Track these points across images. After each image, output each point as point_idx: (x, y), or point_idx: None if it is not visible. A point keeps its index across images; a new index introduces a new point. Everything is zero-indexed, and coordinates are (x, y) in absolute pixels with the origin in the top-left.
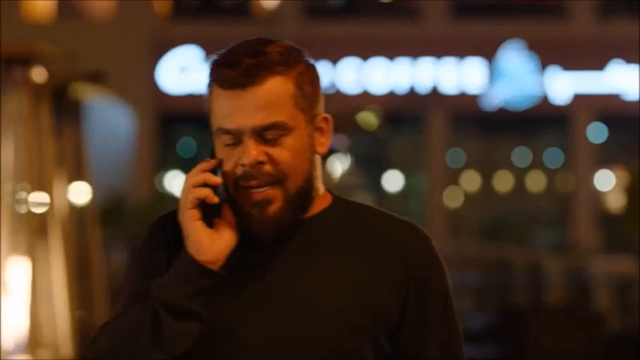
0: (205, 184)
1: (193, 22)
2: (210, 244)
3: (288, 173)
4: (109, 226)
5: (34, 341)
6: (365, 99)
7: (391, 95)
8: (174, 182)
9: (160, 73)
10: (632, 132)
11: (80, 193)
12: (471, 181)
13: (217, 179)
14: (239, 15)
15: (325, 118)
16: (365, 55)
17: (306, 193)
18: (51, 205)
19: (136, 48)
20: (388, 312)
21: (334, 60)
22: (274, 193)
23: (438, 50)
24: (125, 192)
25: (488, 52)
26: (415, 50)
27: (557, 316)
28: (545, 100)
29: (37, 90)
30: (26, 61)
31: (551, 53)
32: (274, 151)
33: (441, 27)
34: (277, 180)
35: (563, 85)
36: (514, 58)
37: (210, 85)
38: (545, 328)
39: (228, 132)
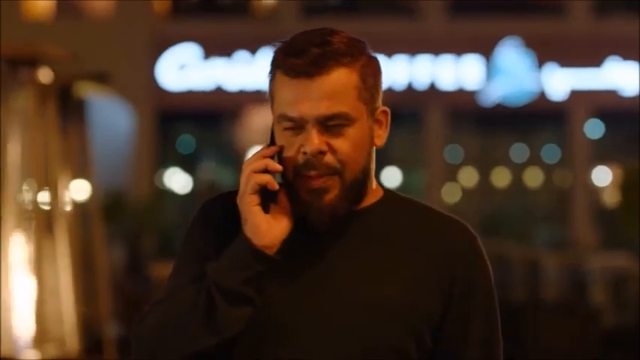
0: (266, 170)
1: (192, 20)
2: (268, 229)
3: (348, 164)
4: (109, 222)
5: (41, 336)
6: None
7: (389, 92)
8: (174, 179)
9: (160, 70)
10: (629, 128)
11: (84, 190)
12: (469, 177)
13: (278, 166)
14: (238, 13)
15: (384, 112)
16: None
17: (361, 185)
18: (57, 201)
19: (136, 46)
20: (432, 308)
21: None
22: (332, 182)
23: (436, 47)
24: (125, 189)
25: (485, 49)
26: (413, 47)
27: (555, 311)
28: (542, 97)
29: (42, 90)
30: (32, 62)
31: (549, 50)
32: (336, 142)
33: (439, 24)
34: (336, 170)
35: (560, 82)
36: (511, 55)
37: (273, 72)
38: (543, 322)
39: (291, 119)
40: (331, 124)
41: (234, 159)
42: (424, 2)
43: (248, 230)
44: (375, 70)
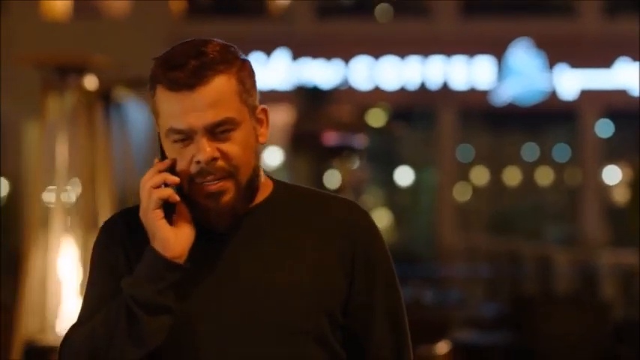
0: (165, 184)
1: (208, 20)
2: (176, 240)
3: (240, 166)
4: None
5: None
6: (376, 95)
7: (402, 92)
8: None
9: None
10: (638, 127)
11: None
12: (481, 175)
13: (176, 178)
14: (253, 13)
15: (264, 110)
16: (376, 53)
17: (254, 182)
18: (101, 197)
19: (152, 46)
20: (338, 285)
21: (347, 58)
22: (227, 184)
23: (448, 48)
24: (130, 188)
25: (497, 49)
26: (426, 48)
27: (565, 304)
28: (553, 97)
29: (88, 95)
30: (80, 70)
31: (559, 51)
32: (226, 147)
33: (451, 26)
34: (230, 173)
35: (570, 82)
36: (522, 56)
37: (154, 88)
38: (554, 315)
39: (179, 131)
40: (218, 131)
41: None
42: (436, 4)
43: (157, 244)
44: (250, 72)
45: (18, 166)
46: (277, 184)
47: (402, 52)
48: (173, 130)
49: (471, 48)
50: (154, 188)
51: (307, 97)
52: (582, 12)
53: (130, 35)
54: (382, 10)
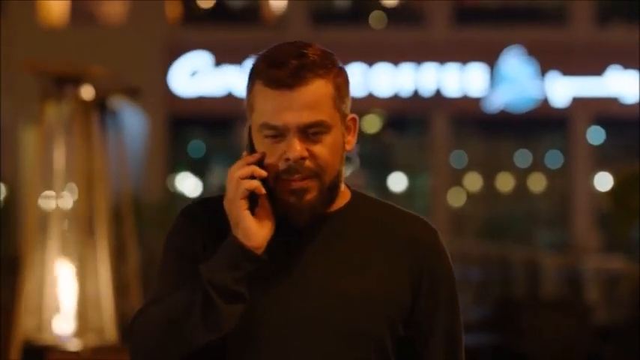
0: (252, 176)
1: (204, 27)
2: (257, 231)
3: (326, 168)
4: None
5: (83, 327)
6: (370, 102)
7: (396, 98)
8: (185, 183)
9: (172, 77)
10: (630, 135)
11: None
12: (474, 181)
13: (264, 172)
14: (248, 20)
15: (353, 119)
16: (370, 60)
17: (336, 186)
18: (97, 204)
19: (149, 52)
20: (404, 298)
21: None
22: (311, 184)
23: (441, 56)
24: (138, 192)
25: (489, 57)
26: (419, 56)
27: (551, 307)
28: (545, 104)
29: (84, 104)
30: (77, 80)
31: (551, 58)
32: (315, 148)
33: (444, 33)
34: (316, 173)
35: (562, 89)
36: (515, 63)
37: (252, 83)
38: (540, 318)
39: (273, 128)
40: (310, 132)
41: None
42: (430, 11)
43: (239, 233)
44: (346, 80)
45: (15, 170)
46: (355, 193)
47: (396, 60)
48: (267, 126)
49: (463, 55)
50: (241, 179)
51: None
52: (574, 20)
53: (126, 41)
54: (376, 17)
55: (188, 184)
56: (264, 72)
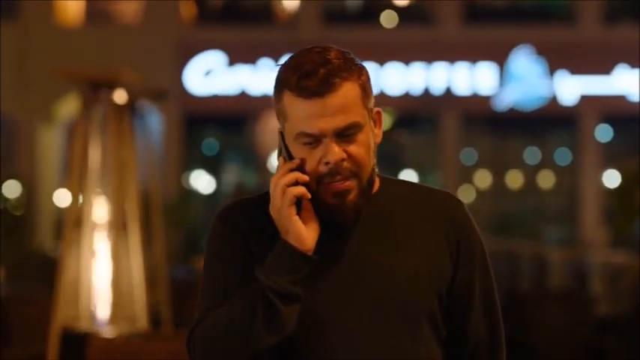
0: (296, 182)
1: (217, 27)
2: (307, 235)
3: (363, 166)
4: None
5: (116, 315)
6: (381, 100)
7: (407, 97)
8: (199, 180)
9: (186, 76)
10: (637, 132)
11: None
12: (484, 178)
13: (306, 177)
14: (261, 20)
15: (378, 112)
16: (381, 59)
17: (372, 179)
18: (130, 199)
19: (163, 51)
20: (446, 269)
21: None
22: (352, 184)
23: (452, 55)
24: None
25: (499, 56)
26: (430, 55)
27: (556, 299)
28: (553, 102)
29: (118, 108)
30: (110, 85)
31: (560, 57)
32: (352, 148)
33: (454, 33)
34: (355, 173)
35: (570, 88)
36: (524, 62)
37: (280, 93)
38: (545, 310)
39: (310, 135)
40: (346, 134)
41: (256, 161)
42: (440, 11)
43: (291, 238)
44: (368, 77)
45: (31, 168)
46: (382, 178)
47: (407, 59)
48: (304, 134)
49: (473, 54)
50: (287, 186)
51: None
52: (582, 19)
53: (141, 41)
54: (387, 17)
55: (202, 182)
56: (294, 83)
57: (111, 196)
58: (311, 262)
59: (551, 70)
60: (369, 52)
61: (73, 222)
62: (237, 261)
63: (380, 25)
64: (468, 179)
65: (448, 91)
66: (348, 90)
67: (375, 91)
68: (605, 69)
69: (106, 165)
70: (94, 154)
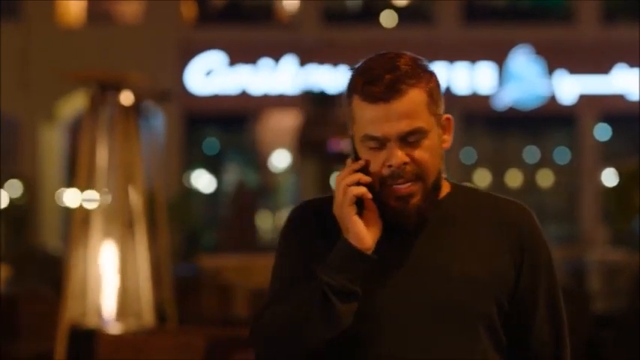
0: (358, 183)
1: (218, 26)
2: (367, 234)
3: (427, 170)
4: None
5: (123, 311)
6: None
7: None
8: (200, 179)
9: (187, 75)
10: (636, 131)
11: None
12: (483, 177)
13: (369, 178)
14: (262, 20)
15: (448, 118)
16: None
17: (438, 184)
18: (136, 198)
19: (164, 51)
20: (508, 277)
21: (353, 63)
22: (415, 187)
23: (451, 54)
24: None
25: (498, 56)
26: (429, 54)
27: None
28: (552, 101)
29: (124, 109)
30: (117, 87)
31: (558, 57)
32: (416, 153)
33: (454, 32)
34: (418, 176)
35: (569, 87)
36: (523, 62)
37: (350, 97)
38: None
39: (375, 138)
40: (409, 139)
41: (256, 161)
42: (439, 11)
43: (351, 237)
44: (437, 84)
45: (33, 167)
46: (453, 184)
47: None
48: (368, 137)
49: (472, 54)
50: (349, 186)
51: (314, 102)
52: (581, 19)
53: (142, 41)
54: (387, 16)
55: (203, 181)
56: (361, 88)
57: (117, 195)
58: (369, 261)
59: (550, 70)
60: (369, 52)
61: (80, 220)
62: (303, 258)
63: (380, 25)
64: (468, 178)
65: (448, 91)
66: (414, 96)
67: None
68: (603, 68)
69: (112, 165)
70: (101, 154)
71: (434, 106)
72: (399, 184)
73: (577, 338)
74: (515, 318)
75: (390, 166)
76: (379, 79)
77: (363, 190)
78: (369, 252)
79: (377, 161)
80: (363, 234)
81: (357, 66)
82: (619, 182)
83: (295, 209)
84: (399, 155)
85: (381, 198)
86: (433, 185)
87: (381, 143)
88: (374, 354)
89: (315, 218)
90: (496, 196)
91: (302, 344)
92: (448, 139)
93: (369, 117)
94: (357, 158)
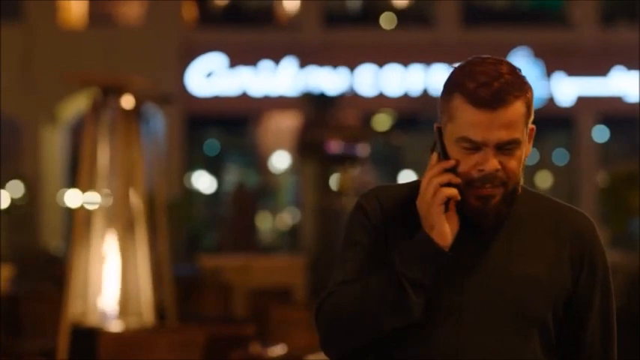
0: (449, 183)
1: (219, 28)
2: (450, 232)
3: (513, 178)
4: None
5: (124, 310)
6: (381, 102)
7: (406, 98)
8: (201, 180)
9: (188, 77)
10: (633, 133)
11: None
12: None
13: (459, 179)
14: (262, 22)
15: (532, 129)
16: (381, 61)
17: (516, 190)
18: (136, 199)
19: (165, 53)
20: (566, 282)
21: (352, 65)
22: (498, 190)
23: (450, 56)
24: (156, 189)
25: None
26: (428, 56)
27: None
28: (551, 103)
29: (125, 113)
30: (119, 91)
31: (557, 59)
32: (507, 161)
33: (453, 34)
34: (503, 183)
35: (567, 89)
36: (521, 64)
37: (451, 93)
38: None
39: (472, 142)
40: (505, 147)
41: (257, 162)
42: (439, 13)
43: (435, 234)
44: (532, 96)
45: (35, 169)
46: (523, 189)
47: (406, 60)
48: (466, 139)
49: (471, 56)
50: (441, 185)
51: (314, 103)
52: (579, 22)
53: (143, 43)
54: (387, 18)
55: (204, 182)
56: (468, 89)
57: (118, 197)
58: (447, 258)
59: (549, 72)
60: (369, 54)
61: (81, 221)
62: (369, 244)
63: (379, 27)
64: None
65: None
66: (517, 108)
67: (375, 92)
68: (601, 71)
69: (113, 167)
70: (103, 156)
71: (529, 118)
72: (485, 188)
73: None
74: (568, 325)
75: (481, 170)
76: (488, 85)
77: (454, 192)
78: (447, 249)
79: (468, 163)
80: (447, 233)
81: (459, 66)
82: (611, 184)
83: (361, 197)
84: (494, 162)
85: (463, 196)
86: (513, 190)
87: (476, 147)
88: (429, 348)
89: (381, 206)
90: (563, 204)
91: (369, 329)
92: (529, 148)
93: (471, 120)
94: (444, 154)
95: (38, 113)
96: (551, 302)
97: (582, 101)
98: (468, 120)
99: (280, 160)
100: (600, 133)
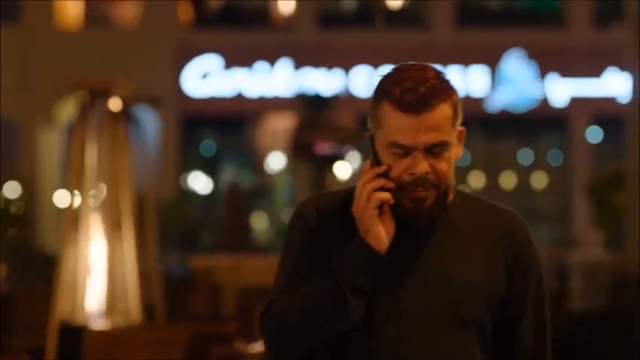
0: (382, 188)
1: (214, 30)
2: (385, 236)
3: (444, 179)
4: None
5: (110, 309)
6: None
7: None
8: (197, 181)
9: (184, 78)
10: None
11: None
12: (477, 179)
13: (392, 184)
14: (257, 24)
15: (461, 131)
16: (375, 63)
17: (448, 191)
18: (124, 199)
19: (161, 54)
20: (501, 283)
21: (347, 67)
22: (430, 193)
23: (444, 58)
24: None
25: (491, 59)
26: (423, 58)
27: None
28: (544, 104)
29: (113, 115)
30: (106, 94)
31: (550, 60)
32: (437, 163)
33: (447, 36)
34: (435, 185)
35: (561, 91)
36: (515, 65)
37: (379, 101)
38: None
39: (401, 146)
40: (434, 150)
41: (253, 162)
42: (433, 15)
43: (371, 239)
44: (459, 99)
45: (31, 169)
46: (457, 191)
47: (400, 62)
48: (395, 144)
49: (466, 58)
50: (374, 191)
51: (309, 105)
52: (572, 23)
53: (139, 44)
54: (381, 20)
55: (199, 182)
56: (395, 95)
57: (106, 197)
58: (384, 262)
59: (542, 73)
60: (363, 55)
61: (70, 221)
62: (309, 251)
63: (374, 28)
64: (462, 180)
65: None
66: (443, 110)
67: (369, 93)
68: (595, 72)
69: (102, 167)
70: (91, 158)
71: (456, 120)
72: (417, 191)
73: (555, 336)
74: (502, 324)
75: (412, 173)
76: (414, 90)
77: (388, 196)
78: (384, 253)
79: (399, 167)
80: (383, 236)
81: (387, 73)
82: (597, 185)
83: (300, 205)
84: (424, 165)
85: (396, 200)
86: (445, 192)
87: (406, 151)
88: (370, 349)
89: (319, 213)
90: (493, 204)
91: (312, 333)
92: (460, 149)
93: (399, 125)
94: (377, 161)
95: (35, 114)
96: (487, 302)
97: (576, 102)
98: (396, 125)
99: (276, 161)
100: (594, 134)
